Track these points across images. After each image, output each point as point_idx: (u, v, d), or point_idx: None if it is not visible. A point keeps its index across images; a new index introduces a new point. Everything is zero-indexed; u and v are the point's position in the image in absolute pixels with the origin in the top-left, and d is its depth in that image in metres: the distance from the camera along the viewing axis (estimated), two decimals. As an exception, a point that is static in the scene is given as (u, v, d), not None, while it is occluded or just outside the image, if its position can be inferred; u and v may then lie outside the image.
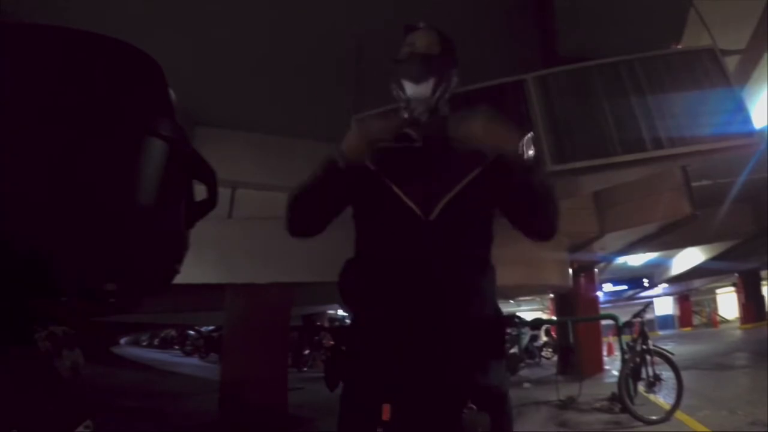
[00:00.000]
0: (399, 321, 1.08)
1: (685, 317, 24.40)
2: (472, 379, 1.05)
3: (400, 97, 1.24)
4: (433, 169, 1.17)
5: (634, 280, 18.98)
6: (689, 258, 14.46)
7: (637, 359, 4.79)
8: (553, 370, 9.29)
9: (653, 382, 4.68)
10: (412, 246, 1.11)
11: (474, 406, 1.01)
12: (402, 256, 1.11)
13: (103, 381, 7.61)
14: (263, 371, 5.85)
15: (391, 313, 1.09)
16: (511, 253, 6.76)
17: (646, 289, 19.97)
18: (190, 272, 1.35)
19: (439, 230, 1.11)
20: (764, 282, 17.98)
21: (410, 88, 1.20)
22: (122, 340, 19.37)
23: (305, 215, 1.22)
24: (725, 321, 22.09)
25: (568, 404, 5.45)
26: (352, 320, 1.22)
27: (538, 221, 1.20)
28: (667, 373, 4.64)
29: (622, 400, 4.58)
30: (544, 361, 11.69)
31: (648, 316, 10.14)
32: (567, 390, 5.78)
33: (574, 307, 9.20)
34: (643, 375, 4.72)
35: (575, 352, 8.82)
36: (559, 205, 1.21)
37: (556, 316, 11.83)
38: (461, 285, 1.10)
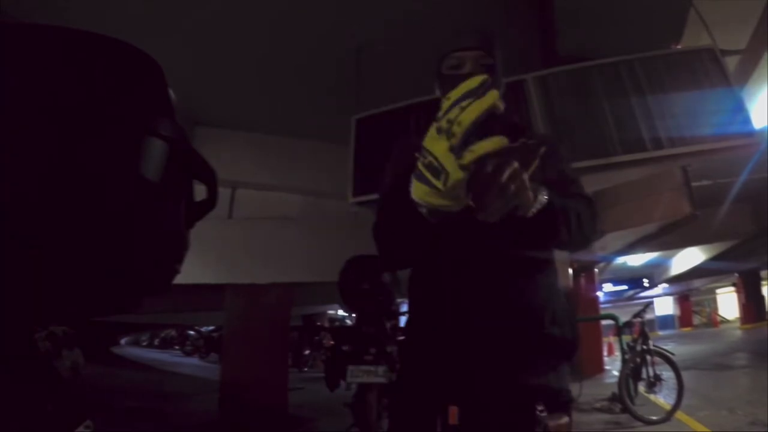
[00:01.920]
0: (463, 320, 1.02)
1: (685, 317, 24.40)
2: (545, 380, 1.00)
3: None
4: None
5: (634, 280, 18.99)
6: (689, 258, 14.45)
7: (638, 359, 4.79)
8: (553, 370, 9.28)
9: (653, 382, 4.68)
10: (473, 243, 1.05)
11: (545, 410, 0.96)
12: (463, 253, 1.06)
13: (103, 381, 7.61)
14: (263, 371, 5.85)
15: (454, 311, 1.03)
16: (511, 253, 6.77)
17: (646, 289, 19.97)
18: (190, 272, 1.35)
19: (500, 227, 1.06)
20: (764, 282, 17.97)
21: None
22: (122, 340, 19.38)
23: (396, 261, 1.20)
24: (725, 321, 22.08)
25: (568, 404, 5.44)
26: (409, 320, 1.15)
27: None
28: (667, 373, 4.64)
29: (622, 400, 4.58)
30: (544, 361, 11.67)
31: (648, 316, 10.14)
32: (567, 390, 5.77)
33: (575, 307, 9.19)
34: (644, 375, 4.72)
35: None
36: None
37: (556, 316, 11.79)
38: (527, 282, 1.06)
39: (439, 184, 0.74)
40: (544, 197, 0.94)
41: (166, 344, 19.32)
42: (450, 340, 1.03)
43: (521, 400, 0.98)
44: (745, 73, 4.76)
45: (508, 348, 1.00)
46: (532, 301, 1.05)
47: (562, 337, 1.06)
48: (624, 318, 5.69)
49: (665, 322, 24.35)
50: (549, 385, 1.01)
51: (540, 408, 0.97)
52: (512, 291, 1.04)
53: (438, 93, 1.23)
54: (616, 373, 6.24)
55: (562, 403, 1.03)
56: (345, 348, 3.28)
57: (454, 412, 0.96)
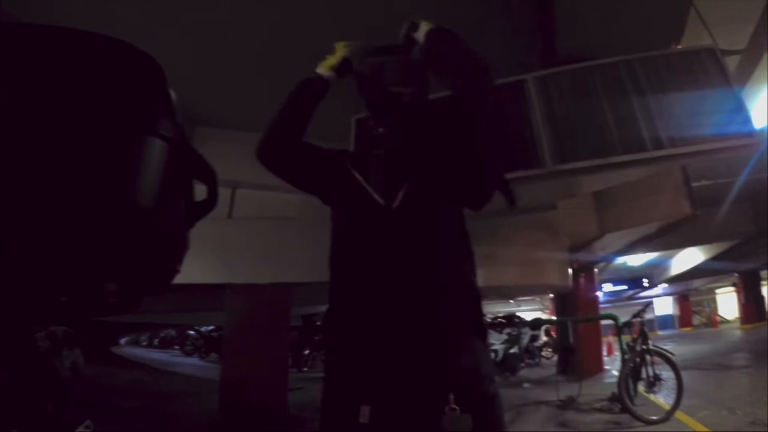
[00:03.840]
0: (370, 318, 1.05)
1: (685, 317, 24.39)
2: (453, 378, 1.01)
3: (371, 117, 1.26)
4: (397, 159, 1.18)
5: (634, 280, 18.96)
6: (689, 258, 14.45)
7: (637, 359, 4.79)
8: (553, 370, 9.29)
9: (653, 382, 4.68)
10: (376, 235, 1.11)
11: (456, 408, 0.96)
12: (367, 247, 1.11)
13: (103, 381, 7.61)
14: (263, 371, 5.85)
15: (361, 309, 1.07)
16: (510, 253, 6.74)
17: (646, 289, 19.96)
18: (190, 272, 1.35)
19: (403, 218, 1.11)
20: (764, 282, 17.97)
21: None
22: (122, 340, 19.38)
23: (276, 129, 1.26)
24: (725, 321, 22.07)
25: (568, 404, 5.44)
26: (325, 318, 1.19)
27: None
28: (667, 373, 4.65)
29: (622, 400, 4.58)
30: (544, 361, 11.70)
31: (648, 316, 10.15)
32: (567, 390, 5.78)
33: (574, 307, 9.20)
34: (643, 375, 4.72)
35: (575, 352, 8.83)
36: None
37: (556, 316, 11.83)
38: (429, 275, 1.07)
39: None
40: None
41: (166, 344, 19.31)
42: (365, 334, 1.06)
43: (427, 397, 0.98)
44: (745, 73, 4.75)
45: (411, 331, 1.02)
46: (435, 281, 1.07)
47: (458, 308, 1.07)
48: (624, 318, 5.69)
49: (665, 322, 24.33)
50: (459, 381, 1.00)
51: (451, 406, 0.96)
52: (418, 274, 1.06)
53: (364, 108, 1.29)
54: (615, 373, 6.24)
55: (479, 399, 1.01)
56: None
57: (365, 411, 0.98)
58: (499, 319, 10.93)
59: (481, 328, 1.12)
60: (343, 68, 1.33)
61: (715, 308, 25.60)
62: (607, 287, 18.95)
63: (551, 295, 12.69)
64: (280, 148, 1.25)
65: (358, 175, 1.17)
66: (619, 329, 5.53)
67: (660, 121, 3.54)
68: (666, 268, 16.98)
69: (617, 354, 6.71)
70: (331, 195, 1.25)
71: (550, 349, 12.22)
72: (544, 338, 12.65)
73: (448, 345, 1.04)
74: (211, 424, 5.65)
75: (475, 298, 1.13)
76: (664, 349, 4.80)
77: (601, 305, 12.03)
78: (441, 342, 1.03)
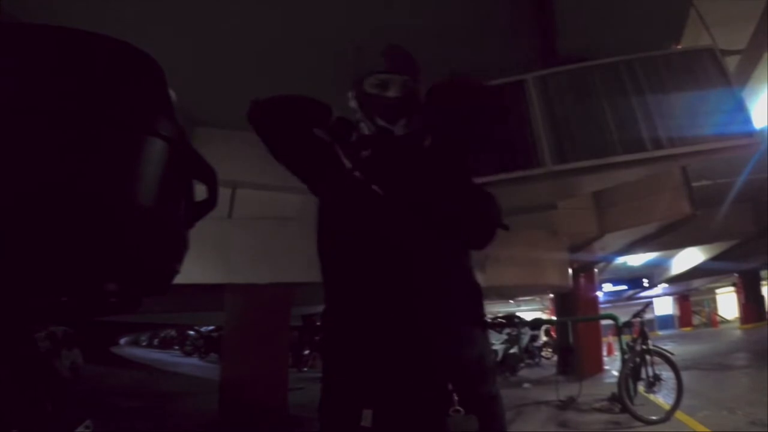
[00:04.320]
0: (369, 316, 1.03)
1: (685, 317, 24.41)
2: (454, 377, 0.99)
3: (362, 117, 1.23)
4: (396, 161, 1.15)
5: (634, 280, 18.97)
6: (689, 258, 14.45)
7: (637, 359, 4.79)
8: (553, 370, 9.30)
9: (653, 382, 4.68)
10: (372, 229, 1.07)
11: (461, 409, 0.95)
12: (363, 241, 1.07)
13: (103, 381, 7.61)
14: (263, 371, 5.85)
15: (359, 307, 1.04)
16: (511, 253, 6.73)
17: (646, 289, 19.97)
18: (190, 272, 1.35)
19: (399, 210, 1.07)
20: (764, 282, 17.98)
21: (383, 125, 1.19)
22: (122, 340, 19.38)
23: (275, 110, 1.28)
24: (725, 321, 22.09)
25: (568, 404, 5.45)
26: (323, 317, 1.16)
27: None
28: (667, 373, 4.65)
29: (621, 400, 4.58)
30: (544, 361, 11.70)
31: (648, 316, 10.15)
32: (567, 390, 5.78)
33: (574, 307, 9.20)
34: (643, 375, 4.72)
35: (575, 352, 8.83)
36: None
37: (556, 316, 11.83)
38: (428, 270, 1.05)
39: None
40: None
41: (166, 344, 19.31)
42: (364, 333, 1.03)
43: (431, 400, 0.97)
44: (745, 73, 4.76)
45: (411, 329, 1.00)
46: (435, 285, 1.05)
47: (463, 314, 1.05)
48: (624, 318, 5.69)
49: (665, 322, 24.34)
50: (463, 384, 0.99)
51: (455, 408, 0.95)
52: (415, 276, 1.04)
53: (354, 105, 1.26)
54: (615, 373, 6.25)
55: (482, 401, 1.00)
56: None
57: (368, 414, 0.96)
58: (499, 319, 10.93)
59: (482, 324, 1.10)
60: (342, 125, 1.24)
61: (715, 308, 25.61)
62: (607, 287, 18.96)
63: (551, 295, 12.71)
64: (274, 112, 1.27)
65: (351, 164, 1.15)
66: (619, 329, 5.53)
67: (660, 121, 3.54)
68: (666, 268, 16.98)
69: (617, 354, 6.71)
70: (318, 181, 1.22)
71: (550, 349, 12.22)
72: (544, 338, 12.65)
73: (448, 343, 1.02)
74: (211, 424, 5.65)
75: (475, 293, 1.11)
76: (664, 349, 4.80)
77: (601, 305, 12.05)
78: (441, 340, 1.01)
